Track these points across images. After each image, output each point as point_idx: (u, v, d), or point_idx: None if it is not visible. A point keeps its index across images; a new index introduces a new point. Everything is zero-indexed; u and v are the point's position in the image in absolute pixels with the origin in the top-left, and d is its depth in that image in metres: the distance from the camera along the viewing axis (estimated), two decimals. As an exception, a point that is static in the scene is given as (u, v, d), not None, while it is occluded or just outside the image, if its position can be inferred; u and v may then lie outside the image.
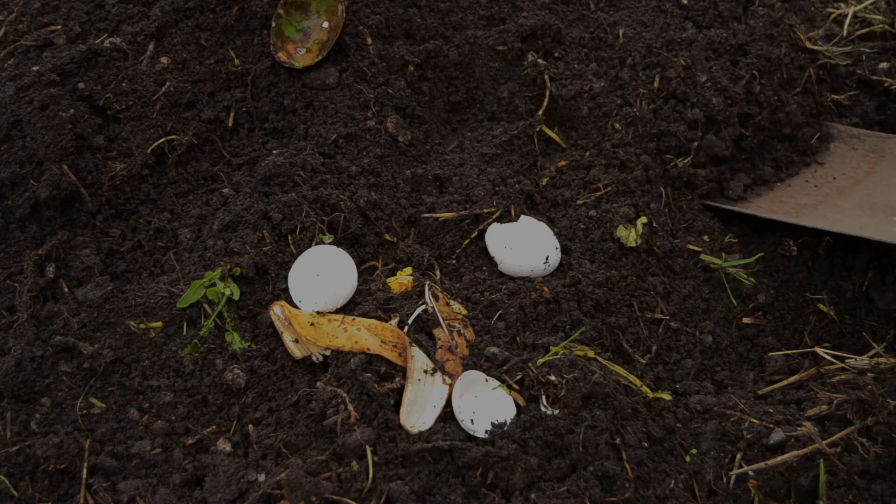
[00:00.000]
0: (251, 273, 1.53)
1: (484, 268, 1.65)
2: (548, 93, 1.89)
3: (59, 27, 1.85)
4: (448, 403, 1.35)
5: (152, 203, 1.75)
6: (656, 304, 1.62)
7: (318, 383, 1.40)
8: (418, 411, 1.34)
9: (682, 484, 1.34)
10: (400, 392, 1.36)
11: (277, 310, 1.49)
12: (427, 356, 1.40)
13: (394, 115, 1.83)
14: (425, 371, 1.38)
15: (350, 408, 1.32)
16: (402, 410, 1.33)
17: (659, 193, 1.75)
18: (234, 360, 1.47)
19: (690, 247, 1.72)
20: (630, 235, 1.60)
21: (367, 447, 1.27)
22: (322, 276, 1.48)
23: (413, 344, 1.40)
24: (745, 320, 1.69)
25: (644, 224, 1.65)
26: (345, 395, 1.34)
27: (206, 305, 1.51)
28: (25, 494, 1.34)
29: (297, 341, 1.46)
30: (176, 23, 1.86)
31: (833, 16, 2.17)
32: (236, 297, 1.51)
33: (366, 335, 1.41)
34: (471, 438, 1.32)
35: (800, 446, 1.35)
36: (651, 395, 1.43)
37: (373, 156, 1.75)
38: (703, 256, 1.70)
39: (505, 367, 1.40)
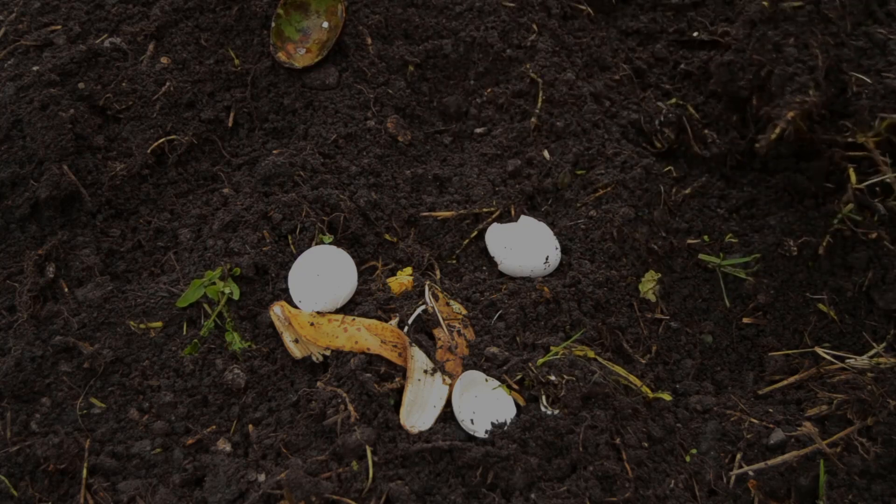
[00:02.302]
0: (251, 273, 1.53)
1: (484, 268, 1.65)
2: (540, 94, 1.88)
3: (59, 27, 1.85)
4: (448, 403, 1.35)
5: (152, 203, 1.75)
6: (656, 304, 1.62)
7: (318, 383, 1.40)
8: (418, 411, 1.34)
9: (682, 484, 1.34)
10: (400, 392, 1.36)
11: (277, 310, 1.49)
12: (427, 356, 1.40)
13: (394, 115, 1.83)
14: (425, 371, 1.38)
15: (350, 408, 1.32)
16: (402, 410, 1.33)
17: (658, 191, 1.75)
18: (234, 360, 1.47)
19: (690, 242, 1.72)
20: (649, 291, 1.62)
21: (367, 447, 1.27)
22: (322, 276, 1.48)
23: (413, 344, 1.40)
24: (745, 320, 1.68)
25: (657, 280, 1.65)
26: (345, 395, 1.34)
27: (206, 305, 1.51)
28: (25, 494, 1.34)
29: (297, 341, 1.46)
30: (176, 23, 1.86)
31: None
32: (236, 296, 1.51)
33: (366, 335, 1.41)
34: (471, 438, 1.32)
35: (800, 446, 1.35)
36: (651, 395, 1.43)
37: (373, 156, 1.75)
38: (701, 256, 1.70)
39: (505, 367, 1.40)
